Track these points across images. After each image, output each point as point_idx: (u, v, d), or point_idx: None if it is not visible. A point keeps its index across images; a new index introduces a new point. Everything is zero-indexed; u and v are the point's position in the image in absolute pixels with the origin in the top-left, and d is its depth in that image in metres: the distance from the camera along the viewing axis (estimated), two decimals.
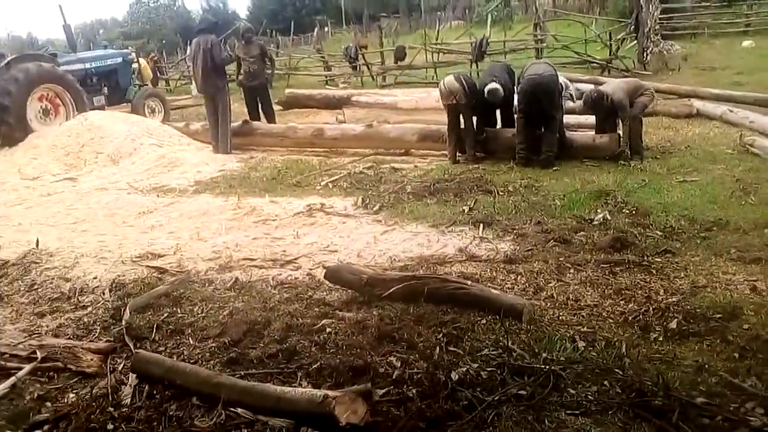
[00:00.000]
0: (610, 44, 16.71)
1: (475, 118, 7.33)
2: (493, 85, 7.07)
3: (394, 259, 4.36)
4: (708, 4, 25.56)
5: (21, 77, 9.33)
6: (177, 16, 54.95)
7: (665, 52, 15.65)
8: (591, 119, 7.66)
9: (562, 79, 7.31)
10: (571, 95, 7.42)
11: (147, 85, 14.03)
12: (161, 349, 3.16)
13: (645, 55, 15.35)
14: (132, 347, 3.14)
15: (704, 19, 23.37)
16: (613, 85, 7.35)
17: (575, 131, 7.55)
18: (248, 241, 4.93)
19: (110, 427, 2.48)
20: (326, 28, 44.34)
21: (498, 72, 7.52)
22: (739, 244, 4.21)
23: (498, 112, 7.59)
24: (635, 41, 16.40)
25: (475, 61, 16.48)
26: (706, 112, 9.08)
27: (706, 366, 2.79)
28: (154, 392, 2.70)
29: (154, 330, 3.33)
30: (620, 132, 6.90)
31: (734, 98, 9.56)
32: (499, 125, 7.66)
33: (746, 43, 19.24)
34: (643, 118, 7.08)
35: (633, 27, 16.79)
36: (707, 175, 6.00)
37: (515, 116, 7.10)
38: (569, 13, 25.77)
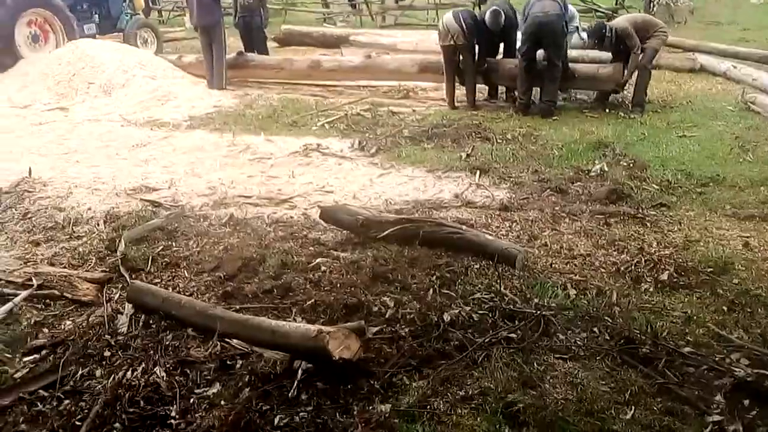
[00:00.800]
0: None
1: (477, 49, 7.04)
2: (495, 8, 6.79)
3: (390, 202, 4.35)
4: None
5: (8, 0, 8.97)
6: None
7: (672, 5, 15.27)
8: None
9: (570, 9, 7.01)
10: (576, 27, 7.20)
11: (139, 14, 13.54)
12: (156, 281, 3.17)
13: (652, 6, 14.97)
14: (127, 278, 3.15)
15: None
16: (620, 18, 7.16)
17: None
18: (243, 178, 4.89)
19: (107, 353, 2.51)
20: None
21: (500, 3, 7.27)
22: (735, 201, 4.24)
23: (501, 47, 7.32)
24: None
25: (478, 4, 16.02)
26: (710, 68, 8.95)
27: (695, 317, 2.85)
28: (150, 322, 2.73)
29: (149, 262, 3.33)
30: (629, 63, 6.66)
31: (739, 54, 9.41)
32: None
33: None
34: (652, 71, 6.90)
35: None
36: (707, 131, 5.97)
37: (518, 59, 6.87)
38: None
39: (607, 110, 6.72)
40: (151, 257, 3.38)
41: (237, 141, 5.93)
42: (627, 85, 6.97)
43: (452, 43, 6.93)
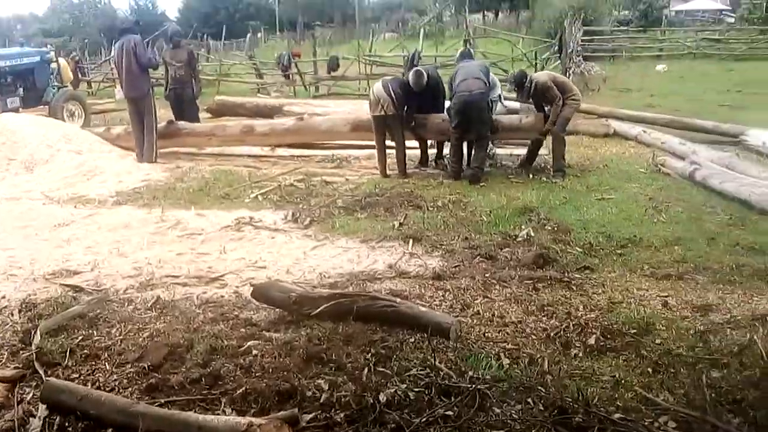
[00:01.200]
0: (536, 63, 17.33)
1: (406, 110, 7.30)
2: (417, 69, 7.23)
3: (324, 276, 4.32)
4: (626, 28, 27.09)
5: None
6: (101, 14, 52.69)
7: (586, 73, 16.45)
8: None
9: (491, 78, 7.41)
10: (499, 96, 7.63)
11: (67, 86, 13.32)
12: (75, 376, 2.97)
13: (568, 75, 16.03)
14: (42, 375, 2.94)
15: (622, 42, 24.73)
16: (541, 73, 7.73)
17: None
18: (172, 256, 4.76)
19: None
20: (259, 35, 43.78)
21: (424, 66, 7.65)
22: (652, 261, 4.45)
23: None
24: (559, 61, 17.11)
25: (408, 69, 16.73)
26: (623, 132, 9.60)
27: (623, 381, 2.90)
28: (66, 424, 2.54)
29: (67, 355, 3.13)
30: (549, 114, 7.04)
31: (648, 119, 10.16)
32: None
33: (660, 66, 20.52)
34: (566, 138, 7.31)
35: (557, 48, 17.54)
36: (623, 193, 6.33)
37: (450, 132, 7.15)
38: (498, 31, 26.65)
39: (531, 176, 7.03)
40: (69, 349, 3.17)
41: (166, 216, 5.80)
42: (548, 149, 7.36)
43: (383, 113, 7.16)
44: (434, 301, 3.86)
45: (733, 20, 31.01)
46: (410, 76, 7.22)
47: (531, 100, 7.38)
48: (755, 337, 3.20)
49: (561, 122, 7.08)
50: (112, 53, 8.52)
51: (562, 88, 7.09)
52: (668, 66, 20.45)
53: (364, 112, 9.17)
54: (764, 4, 26.30)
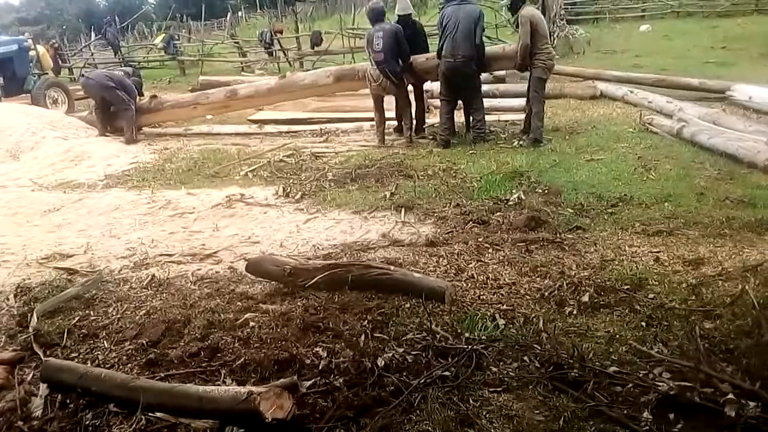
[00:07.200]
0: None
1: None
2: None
3: (318, 248, 4.33)
4: None
5: None
6: (79, 0, 51.67)
7: (570, 37, 16.30)
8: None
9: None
10: None
11: (47, 74, 13.11)
12: (73, 355, 2.98)
13: (552, 39, 15.89)
14: (41, 355, 2.95)
15: (605, 4, 24.49)
16: (531, 8, 7.31)
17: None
18: (165, 235, 4.74)
19: None
20: (240, 13, 43.02)
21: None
22: (642, 218, 4.47)
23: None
24: None
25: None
26: (610, 94, 9.58)
27: (617, 336, 2.95)
28: (68, 401, 2.55)
29: (65, 335, 3.14)
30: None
31: (634, 80, 10.15)
32: None
33: (643, 27, 20.37)
34: (545, 101, 7.11)
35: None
36: (612, 153, 6.34)
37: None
38: None
39: (521, 143, 6.98)
40: (66, 330, 3.18)
41: (156, 197, 5.77)
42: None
43: (384, 92, 7.15)
44: (428, 267, 3.88)
45: None
46: (397, 5, 7.38)
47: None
48: (747, 287, 3.25)
49: (533, 84, 6.90)
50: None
51: (534, 35, 6.68)
52: (652, 26, 20.30)
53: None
54: None
